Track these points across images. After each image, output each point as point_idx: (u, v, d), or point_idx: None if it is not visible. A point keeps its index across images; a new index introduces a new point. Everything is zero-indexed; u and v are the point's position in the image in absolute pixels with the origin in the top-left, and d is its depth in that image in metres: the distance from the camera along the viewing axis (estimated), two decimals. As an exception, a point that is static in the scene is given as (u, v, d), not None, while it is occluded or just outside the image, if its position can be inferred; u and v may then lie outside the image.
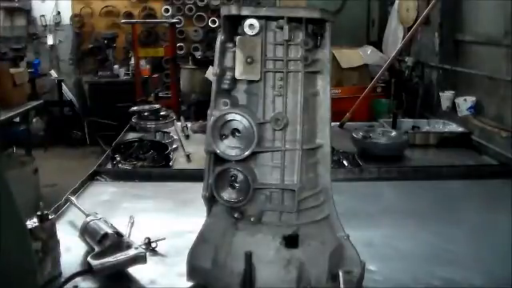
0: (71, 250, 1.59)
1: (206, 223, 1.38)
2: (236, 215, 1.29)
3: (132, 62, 7.79)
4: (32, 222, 1.39)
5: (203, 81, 6.86)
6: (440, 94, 5.68)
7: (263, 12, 1.24)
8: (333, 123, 1.36)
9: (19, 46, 8.19)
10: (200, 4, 8.91)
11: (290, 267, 1.25)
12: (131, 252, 1.45)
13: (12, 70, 5.66)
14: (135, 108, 3.19)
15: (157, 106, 3.23)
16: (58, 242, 1.46)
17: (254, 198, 1.28)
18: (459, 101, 5.25)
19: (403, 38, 6.35)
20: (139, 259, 1.45)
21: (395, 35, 7.03)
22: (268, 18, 1.25)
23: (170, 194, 2.20)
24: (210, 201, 1.36)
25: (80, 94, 8.68)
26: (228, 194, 1.28)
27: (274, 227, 1.28)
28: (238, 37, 1.26)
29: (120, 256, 1.43)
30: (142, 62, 7.73)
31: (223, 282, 1.29)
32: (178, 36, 8.56)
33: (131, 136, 3.12)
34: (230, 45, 1.29)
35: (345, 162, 2.65)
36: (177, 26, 8.15)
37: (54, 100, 8.31)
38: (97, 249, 1.49)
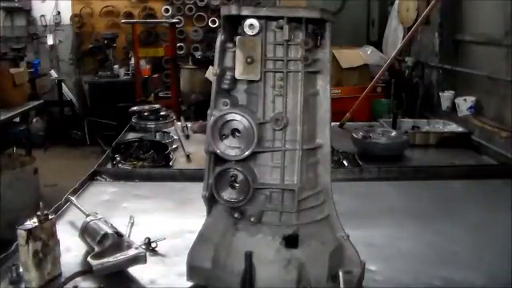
0: (71, 250, 1.59)
1: (205, 223, 1.38)
2: (236, 215, 1.29)
3: (132, 62, 7.79)
4: (32, 222, 1.39)
5: (203, 81, 6.87)
6: (440, 94, 5.68)
7: (263, 12, 1.24)
8: (333, 123, 1.36)
9: (19, 46, 8.19)
10: (200, 4, 8.91)
11: (289, 267, 1.25)
12: (131, 252, 1.45)
13: (12, 70, 5.66)
14: (135, 108, 3.18)
15: (157, 106, 3.23)
16: (58, 241, 1.46)
17: (254, 197, 1.28)
18: (459, 101, 5.25)
19: (403, 37, 6.35)
20: (139, 259, 1.45)
21: (395, 35, 7.03)
22: (268, 18, 1.25)
23: (170, 194, 2.20)
24: (210, 201, 1.36)
25: (80, 93, 8.67)
26: (228, 194, 1.28)
27: (274, 227, 1.28)
28: (238, 37, 1.26)
29: (120, 256, 1.43)
30: (142, 62, 7.73)
31: (223, 282, 1.29)
32: (178, 36, 8.57)
33: (131, 136, 3.12)
34: (230, 45, 1.29)
35: (345, 162, 2.65)
36: (177, 26, 8.16)
37: (54, 100, 8.32)
38: (97, 249, 1.49)
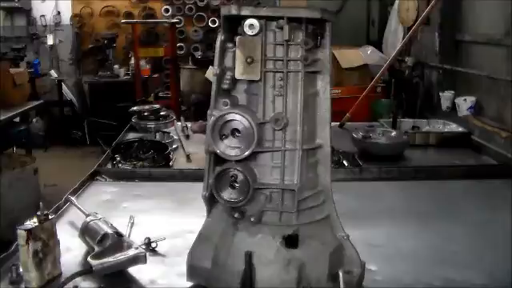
0: (71, 250, 1.59)
1: (205, 223, 1.38)
2: (236, 215, 1.29)
3: (132, 62, 7.79)
4: (32, 222, 1.39)
5: (203, 81, 6.87)
6: (440, 94, 5.68)
7: (263, 12, 1.24)
8: (333, 123, 1.36)
9: (19, 46, 8.18)
10: (200, 4, 8.91)
11: (290, 267, 1.25)
12: (131, 252, 1.45)
13: (12, 70, 5.66)
14: (135, 108, 3.19)
15: (157, 106, 3.23)
16: (58, 242, 1.46)
17: (254, 197, 1.28)
18: (459, 101, 5.25)
19: (403, 38, 6.35)
20: (139, 259, 1.44)
21: (395, 35, 7.03)
22: (268, 18, 1.25)
23: (170, 194, 2.20)
24: (210, 201, 1.36)
25: (80, 93, 8.67)
26: (228, 194, 1.28)
27: (274, 227, 1.28)
28: (238, 37, 1.26)
29: (120, 256, 1.43)
30: (142, 62, 7.73)
31: (223, 282, 1.29)
32: (178, 36, 8.57)
33: (131, 136, 3.12)
34: (230, 45, 1.29)
35: (345, 162, 2.65)
36: (177, 26, 8.15)
37: (54, 100, 8.31)
38: (97, 249, 1.49)
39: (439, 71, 5.96)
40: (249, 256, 1.24)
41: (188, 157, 2.82)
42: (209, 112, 1.29)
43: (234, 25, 1.30)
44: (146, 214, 1.92)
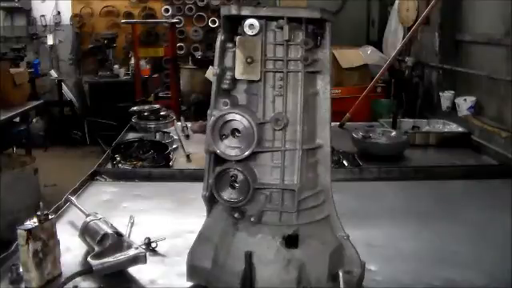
0: (71, 250, 1.59)
1: (205, 223, 1.38)
2: (236, 215, 1.29)
3: (132, 62, 7.79)
4: (32, 222, 1.39)
5: (203, 81, 6.88)
6: (440, 94, 5.68)
7: (263, 12, 1.24)
8: (333, 123, 1.36)
9: (19, 46, 8.19)
10: (200, 4, 8.92)
11: (290, 267, 1.25)
12: (131, 252, 1.45)
13: (12, 70, 5.67)
14: (135, 108, 3.19)
15: (157, 106, 3.23)
16: (58, 242, 1.46)
17: (254, 198, 1.28)
18: (459, 101, 5.25)
19: (403, 38, 6.36)
20: (139, 259, 1.44)
21: (395, 35, 7.03)
22: (268, 18, 1.25)
23: (170, 194, 2.20)
24: (210, 201, 1.36)
25: (80, 93, 8.67)
26: (228, 194, 1.28)
27: (274, 227, 1.28)
28: (238, 37, 1.26)
29: (120, 256, 1.43)
30: (142, 62, 7.73)
31: (223, 282, 1.29)
32: (178, 36, 8.57)
33: (131, 136, 3.12)
34: (230, 45, 1.29)
35: (345, 162, 2.65)
36: (177, 26, 8.15)
37: (54, 100, 8.32)
38: (97, 249, 1.49)
39: (439, 71, 5.96)
40: (249, 256, 1.24)
41: (188, 157, 2.82)
42: (209, 112, 1.29)
43: (234, 25, 1.30)
44: (146, 214, 1.92)
